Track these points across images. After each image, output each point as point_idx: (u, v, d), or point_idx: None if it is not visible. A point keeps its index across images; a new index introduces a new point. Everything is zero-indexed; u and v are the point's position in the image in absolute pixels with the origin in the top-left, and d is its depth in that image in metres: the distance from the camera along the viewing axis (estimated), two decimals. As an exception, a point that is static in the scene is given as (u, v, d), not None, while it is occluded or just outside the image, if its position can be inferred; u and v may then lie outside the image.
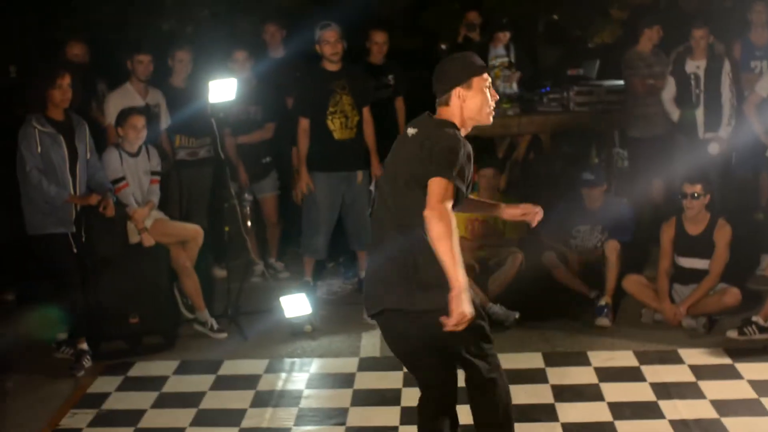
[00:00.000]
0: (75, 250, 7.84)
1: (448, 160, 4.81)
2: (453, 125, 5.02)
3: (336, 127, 8.95)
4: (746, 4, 10.03)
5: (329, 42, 8.86)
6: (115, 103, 8.93)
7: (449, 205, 4.77)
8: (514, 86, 10.79)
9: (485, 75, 5.10)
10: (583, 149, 11.42)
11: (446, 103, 5.08)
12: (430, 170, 4.81)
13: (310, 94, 9.00)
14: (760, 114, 9.27)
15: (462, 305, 4.64)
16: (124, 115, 8.47)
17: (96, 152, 8.11)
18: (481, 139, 10.41)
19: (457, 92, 5.04)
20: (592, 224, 8.81)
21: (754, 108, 9.32)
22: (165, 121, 9.30)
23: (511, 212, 5.64)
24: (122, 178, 8.36)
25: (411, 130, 5.07)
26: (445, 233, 4.68)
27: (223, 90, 8.53)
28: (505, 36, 10.92)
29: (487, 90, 5.10)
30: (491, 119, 5.16)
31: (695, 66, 9.58)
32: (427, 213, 4.74)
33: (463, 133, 5.07)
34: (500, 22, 11.04)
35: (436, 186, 4.78)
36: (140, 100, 9.05)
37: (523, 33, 11.94)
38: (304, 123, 9.01)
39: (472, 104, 5.05)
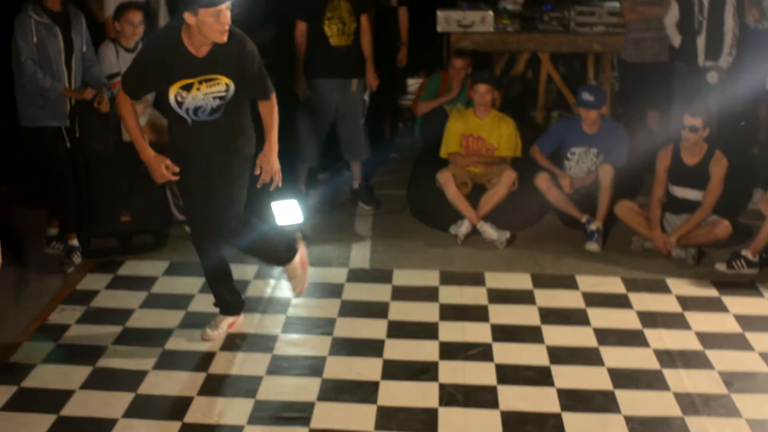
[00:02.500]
0: (68, 145, 7.81)
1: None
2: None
3: (333, 32, 8.89)
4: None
5: (328, -54, 8.80)
6: (115, -5, 8.82)
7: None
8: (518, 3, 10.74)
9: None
10: (579, 70, 11.35)
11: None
12: None
13: (309, -2, 8.94)
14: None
15: None
16: (122, 10, 8.35)
17: (93, 46, 8.03)
18: (479, 55, 10.35)
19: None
20: (588, 147, 8.77)
21: None
22: (164, 19, 9.18)
23: None
24: (118, 74, 8.27)
25: None
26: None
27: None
28: None
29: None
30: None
31: (700, -8, 9.49)
32: None
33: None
34: None
35: None
36: (140, -5, 8.94)
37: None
38: (301, 26, 8.96)
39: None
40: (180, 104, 6.11)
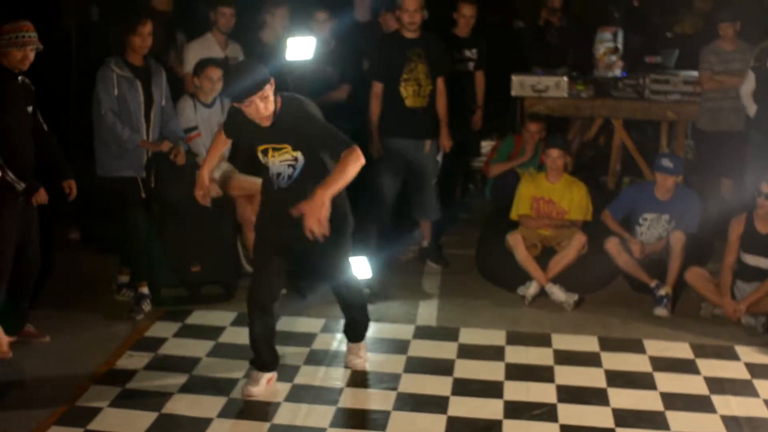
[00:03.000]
0: (143, 195, 7.94)
1: None
2: None
3: (408, 94, 8.97)
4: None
5: (408, 10, 8.87)
6: (195, 51, 9.01)
7: None
8: (617, 71, 10.79)
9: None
10: (653, 138, 11.33)
11: None
12: None
13: (386, 59, 9.01)
14: None
15: None
16: (201, 66, 8.53)
17: (171, 100, 8.18)
18: (552, 120, 10.39)
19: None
20: (660, 213, 8.74)
21: None
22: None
23: None
24: (194, 128, 8.43)
25: None
26: None
27: (301, 48, 8.55)
28: (612, 29, 10.94)
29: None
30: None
31: (777, 62, 9.47)
32: None
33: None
34: (612, 16, 11.10)
35: None
36: (220, 52, 9.11)
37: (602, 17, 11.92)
38: (377, 87, 9.05)
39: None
40: (267, 168, 6.32)
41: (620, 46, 10.89)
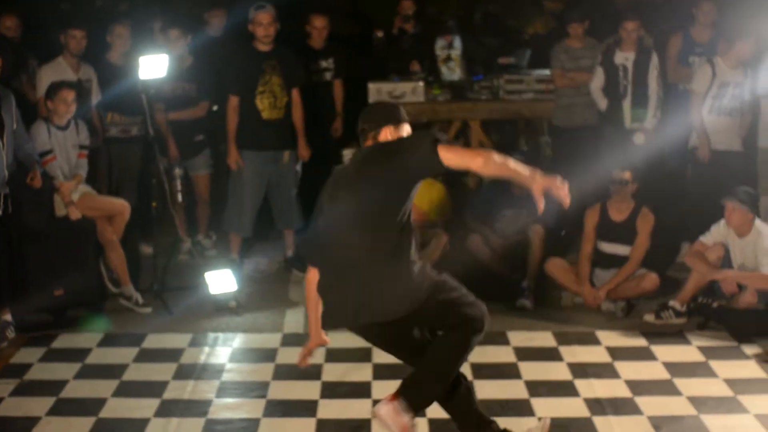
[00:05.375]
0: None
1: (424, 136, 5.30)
2: None
3: (264, 106, 9.03)
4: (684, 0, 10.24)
5: (262, 24, 8.95)
6: (48, 76, 8.94)
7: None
8: (455, 77, 10.98)
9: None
10: (511, 137, 11.52)
11: (375, 139, 5.52)
12: (423, 153, 5.15)
13: (240, 73, 9.06)
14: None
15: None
16: (54, 89, 8.45)
17: (24, 125, 8.09)
18: (410, 125, 10.47)
19: (388, 129, 5.53)
20: (518, 208, 8.90)
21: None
22: (96, 97, 9.31)
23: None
24: (50, 151, 8.35)
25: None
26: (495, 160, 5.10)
27: (154, 66, 8.52)
28: (447, 37, 11.12)
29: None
30: None
31: (624, 58, 9.72)
32: (478, 165, 5.08)
33: None
34: (446, 24, 11.28)
35: (445, 151, 5.08)
36: (72, 75, 9.06)
37: (461, 22, 12.10)
38: (233, 101, 9.09)
39: None
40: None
41: (455, 53, 11.09)
